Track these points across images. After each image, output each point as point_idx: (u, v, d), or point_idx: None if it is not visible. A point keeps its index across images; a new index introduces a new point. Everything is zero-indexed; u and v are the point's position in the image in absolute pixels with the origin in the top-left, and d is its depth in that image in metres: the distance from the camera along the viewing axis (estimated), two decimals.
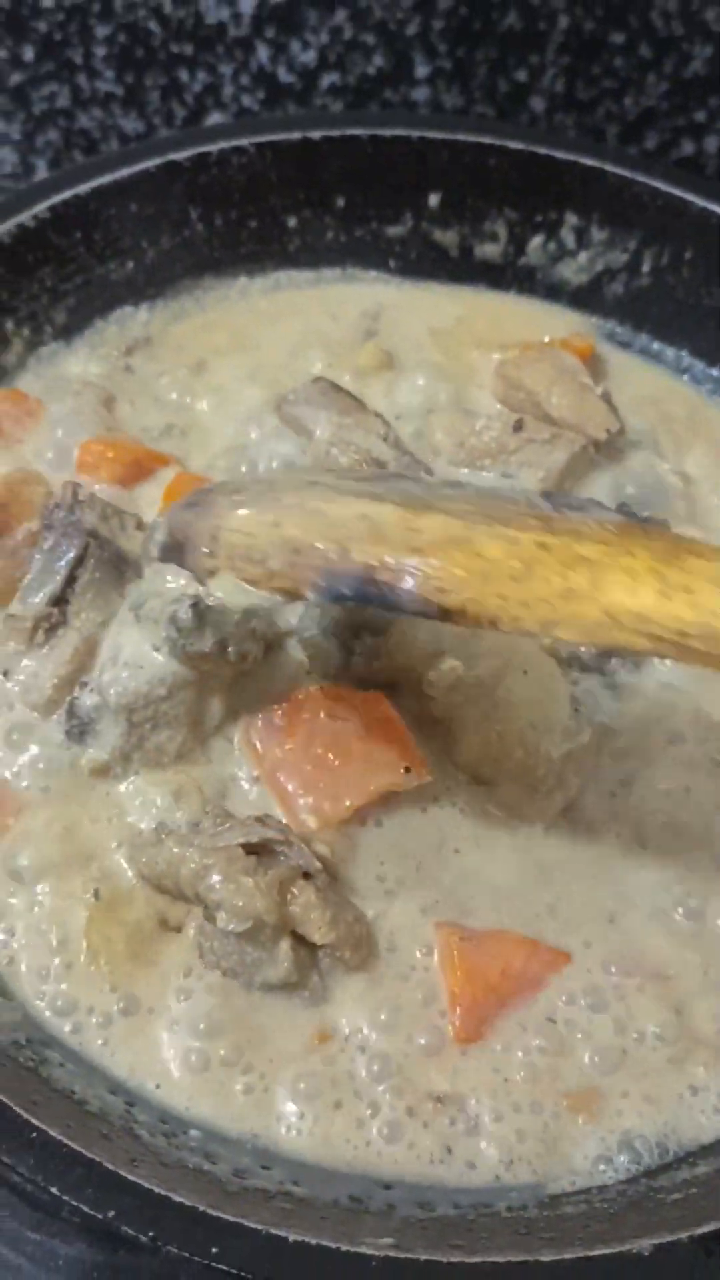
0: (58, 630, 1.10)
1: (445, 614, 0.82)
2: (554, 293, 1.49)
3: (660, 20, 1.66)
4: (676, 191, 1.34)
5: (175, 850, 0.98)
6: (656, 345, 1.47)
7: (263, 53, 1.69)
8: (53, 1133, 0.83)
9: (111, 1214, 0.80)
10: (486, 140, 1.39)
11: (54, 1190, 0.81)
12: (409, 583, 0.82)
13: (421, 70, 1.71)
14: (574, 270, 1.48)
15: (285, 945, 0.97)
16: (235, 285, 1.48)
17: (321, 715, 1.05)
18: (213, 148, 1.37)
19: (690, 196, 1.35)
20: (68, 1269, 1.11)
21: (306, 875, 0.98)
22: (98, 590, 1.10)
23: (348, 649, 1.10)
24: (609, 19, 1.66)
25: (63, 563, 1.10)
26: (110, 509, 1.14)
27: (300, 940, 0.98)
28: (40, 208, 1.29)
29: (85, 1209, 0.80)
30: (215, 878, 0.96)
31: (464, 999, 0.97)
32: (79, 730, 1.07)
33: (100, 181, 1.32)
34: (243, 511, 0.90)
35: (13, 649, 1.12)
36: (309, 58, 1.70)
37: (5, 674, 1.11)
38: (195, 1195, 0.81)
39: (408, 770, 1.03)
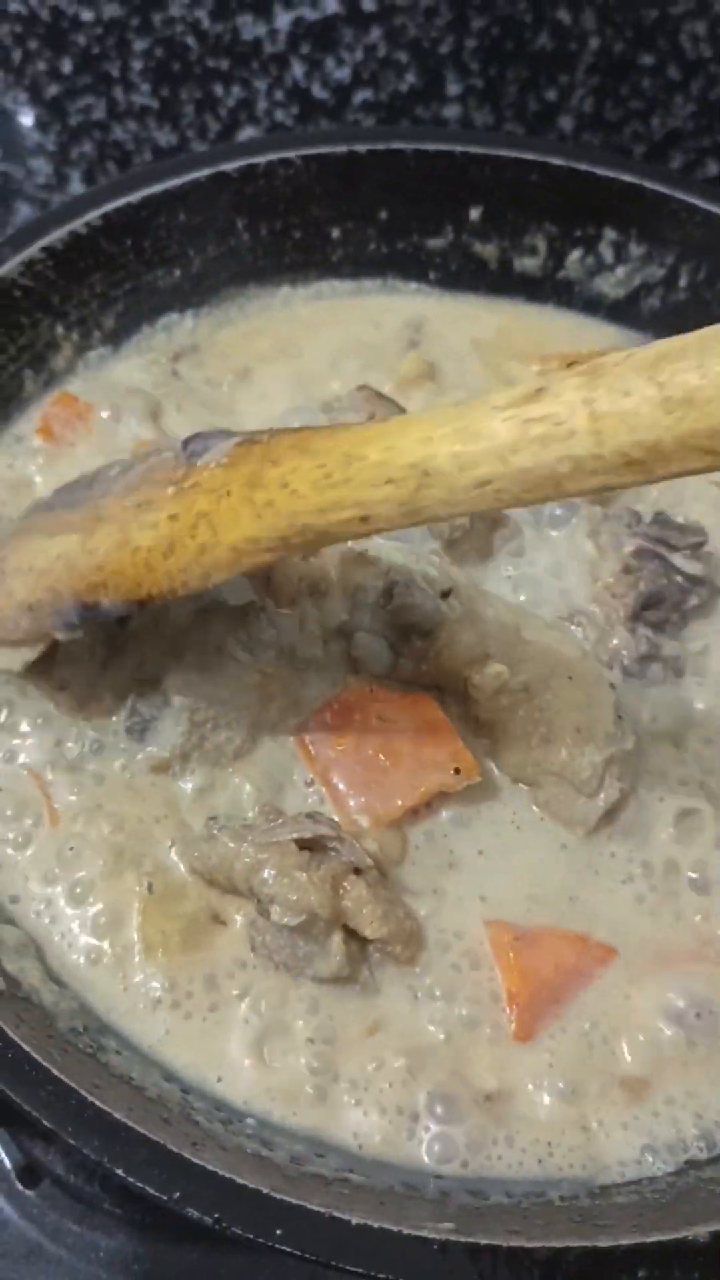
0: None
1: (139, 606, 0.96)
2: (592, 306, 1.52)
3: (689, 43, 1.69)
4: (714, 208, 1.37)
5: (230, 845, 1.00)
6: None
7: (297, 69, 1.72)
8: (118, 1115, 0.84)
9: (177, 1195, 0.81)
10: (528, 156, 1.41)
11: (120, 1171, 0.82)
12: (106, 595, 0.97)
13: (453, 88, 1.74)
14: (611, 284, 1.50)
15: (337, 939, 0.98)
16: (279, 294, 1.50)
17: (373, 718, 1.08)
18: (260, 159, 1.39)
19: None
20: (108, 1260, 1.13)
21: (358, 871, 0.99)
22: None
23: (396, 650, 1.12)
24: (639, 41, 1.70)
25: None
26: None
27: (351, 934, 0.99)
28: (93, 215, 1.31)
29: (151, 1191, 0.81)
30: (269, 872, 0.98)
31: (521, 996, 0.98)
32: (140, 727, 1.08)
33: (151, 190, 1.34)
34: None
35: None
36: (343, 74, 1.73)
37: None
38: (257, 1178, 0.83)
39: (457, 771, 1.05)
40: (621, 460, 0.75)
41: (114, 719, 1.11)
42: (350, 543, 1.14)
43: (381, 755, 1.06)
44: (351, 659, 1.13)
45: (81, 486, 1.06)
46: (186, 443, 0.97)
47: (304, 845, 0.99)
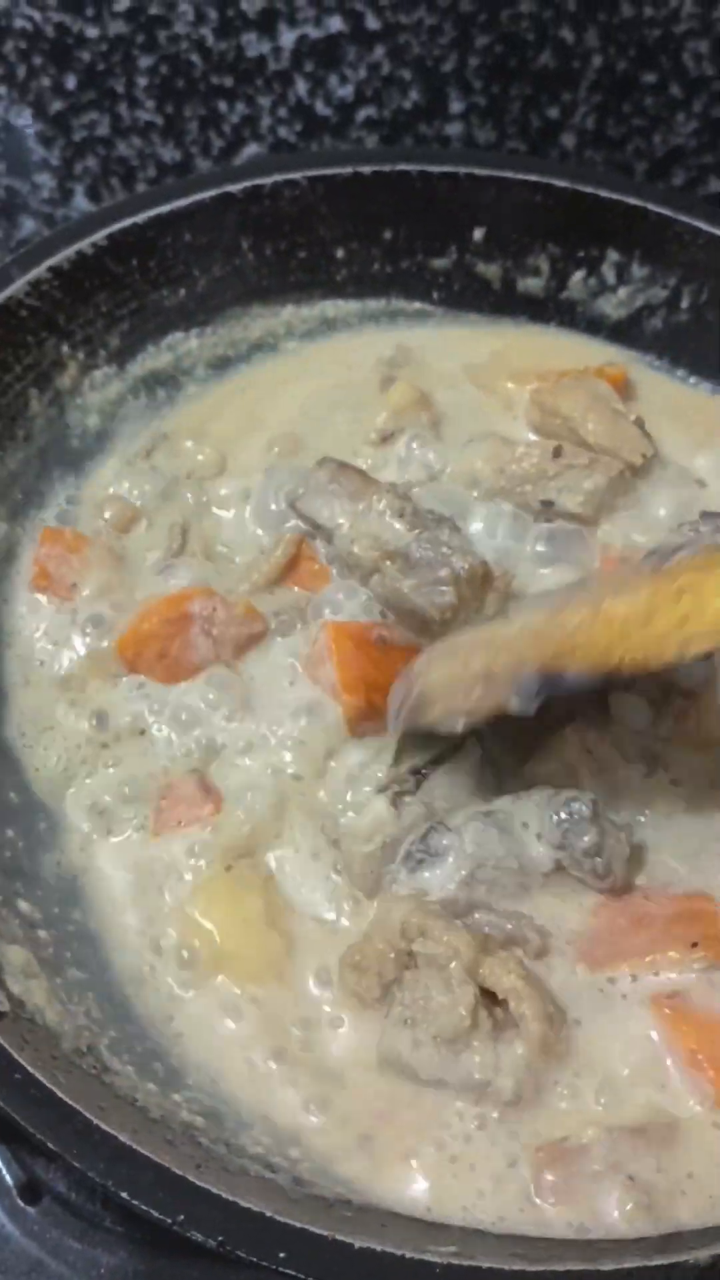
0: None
1: (608, 676, 0.97)
2: (594, 327, 1.53)
3: (691, 61, 1.70)
4: (717, 231, 1.38)
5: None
6: (694, 379, 1.50)
7: (301, 86, 1.73)
8: (122, 1138, 0.84)
9: (181, 1218, 0.81)
10: (532, 178, 1.42)
11: (124, 1195, 0.82)
12: (573, 663, 0.98)
13: (456, 106, 1.75)
14: (614, 305, 1.51)
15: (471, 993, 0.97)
16: (283, 314, 1.51)
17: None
18: (266, 180, 1.40)
19: None
20: (109, 1277, 1.13)
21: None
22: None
23: (656, 709, 1.15)
24: (641, 59, 1.71)
25: None
26: None
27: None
28: (99, 235, 1.32)
29: (155, 1213, 0.82)
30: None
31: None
32: (421, 857, 1.06)
33: (158, 211, 1.35)
34: (437, 669, 1.07)
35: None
36: (346, 92, 1.73)
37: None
38: (261, 1201, 0.83)
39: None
40: None
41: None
42: None
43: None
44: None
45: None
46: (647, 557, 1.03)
47: None
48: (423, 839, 1.05)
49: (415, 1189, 0.94)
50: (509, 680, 1.00)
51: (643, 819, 1.11)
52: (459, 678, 1.04)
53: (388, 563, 1.17)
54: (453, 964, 0.96)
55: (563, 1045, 0.98)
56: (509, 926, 1.01)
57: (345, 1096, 0.98)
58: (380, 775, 1.09)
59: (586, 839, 1.02)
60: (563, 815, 1.03)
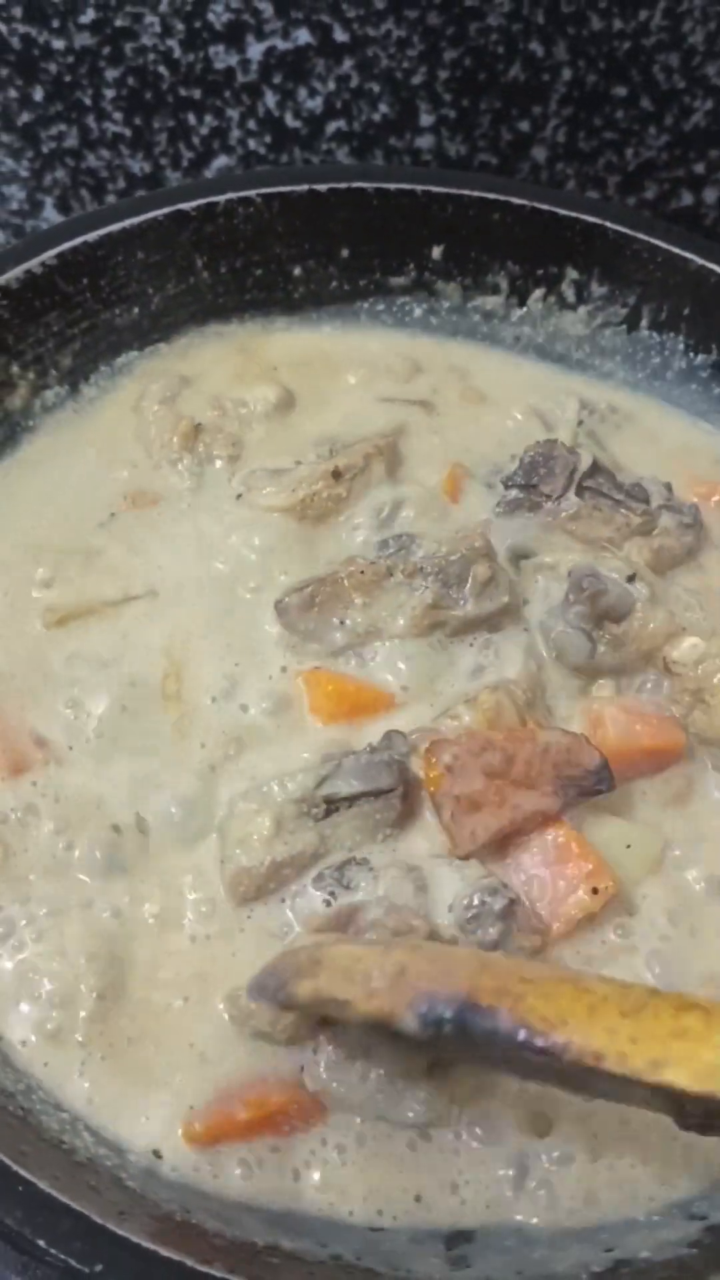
0: None
1: (543, 1052, 0.80)
2: (552, 345, 1.53)
3: (662, 74, 1.69)
4: (676, 249, 1.36)
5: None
6: (657, 401, 1.50)
7: (270, 98, 1.72)
8: (41, 1185, 0.83)
9: (99, 1268, 0.80)
10: (490, 195, 1.41)
11: (41, 1243, 0.81)
12: (510, 1010, 0.81)
13: (426, 119, 1.74)
14: (573, 323, 1.50)
15: None
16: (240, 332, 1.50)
17: None
18: (220, 198, 1.38)
19: (689, 255, 1.37)
20: None
21: None
22: None
23: (592, 640, 1.16)
24: (611, 72, 1.69)
25: None
26: None
27: None
28: (48, 255, 1.30)
29: (73, 1263, 0.80)
30: None
31: None
32: (332, 887, 1.03)
33: (109, 230, 1.33)
34: (346, 945, 0.93)
35: None
36: (315, 104, 1.72)
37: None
38: (183, 1249, 0.82)
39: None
40: None
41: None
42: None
43: None
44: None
45: None
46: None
47: None
48: (339, 869, 1.03)
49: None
50: (420, 989, 0.84)
51: None
52: (366, 958, 0.88)
53: None
54: None
55: None
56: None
57: None
58: (290, 787, 1.06)
59: (492, 931, 0.99)
60: (476, 901, 1.00)
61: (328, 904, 1.01)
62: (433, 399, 1.44)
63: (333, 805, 1.04)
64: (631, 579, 1.18)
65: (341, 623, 1.17)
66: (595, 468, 1.28)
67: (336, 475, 1.26)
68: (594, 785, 1.06)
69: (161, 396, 1.37)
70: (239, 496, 1.29)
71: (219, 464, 1.33)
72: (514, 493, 1.29)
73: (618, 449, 1.41)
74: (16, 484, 1.31)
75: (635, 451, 1.42)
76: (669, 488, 1.31)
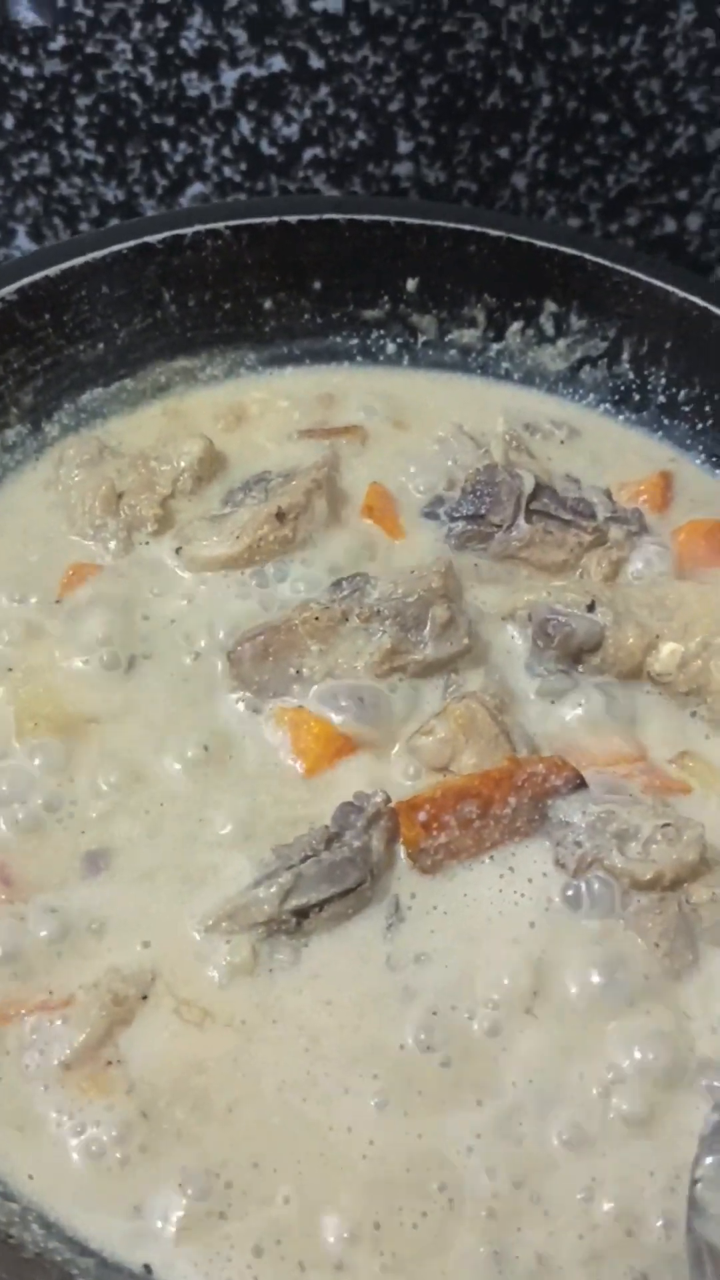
0: None
1: None
2: (530, 379, 1.49)
3: (643, 100, 1.66)
4: (655, 281, 1.33)
5: None
6: (636, 432, 1.46)
7: (245, 125, 1.69)
8: None
9: None
10: (465, 227, 1.38)
11: None
12: None
13: (404, 146, 1.71)
14: (552, 356, 1.48)
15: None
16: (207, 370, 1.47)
17: None
18: (187, 230, 1.35)
19: (670, 287, 1.34)
20: None
21: None
22: None
23: (573, 677, 1.18)
24: (592, 98, 1.67)
25: None
26: None
27: None
28: (8, 290, 1.26)
29: None
30: None
31: None
32: (578, 899, 1.03)
33: (71, 264, 1.30)
34: None
35: None
36: (291, 131, 1.69)
37: None
38: None
39: None
40: None
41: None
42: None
43: None
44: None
45: None
46: None
47: None
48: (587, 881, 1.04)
49: None
50: None
51: None
52: None
53: None
54: None
55: None
56: None
57: None
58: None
59: None
60: None
61: None
62: (364, 425, 1.41)
63: (303, 914, 1.00)
64: (591, 607, 1.16)
65: (298, 672, 1.13)
66: (539, 488, 1.26)
67: (280, 517, 1.22)
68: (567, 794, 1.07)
69: (79, 462, 1.30)
70: (178, 551, 1.24)
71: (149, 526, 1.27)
72: (461, 524, 1.26)
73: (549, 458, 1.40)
74: None
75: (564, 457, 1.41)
76: (609, 494, 1.31)
